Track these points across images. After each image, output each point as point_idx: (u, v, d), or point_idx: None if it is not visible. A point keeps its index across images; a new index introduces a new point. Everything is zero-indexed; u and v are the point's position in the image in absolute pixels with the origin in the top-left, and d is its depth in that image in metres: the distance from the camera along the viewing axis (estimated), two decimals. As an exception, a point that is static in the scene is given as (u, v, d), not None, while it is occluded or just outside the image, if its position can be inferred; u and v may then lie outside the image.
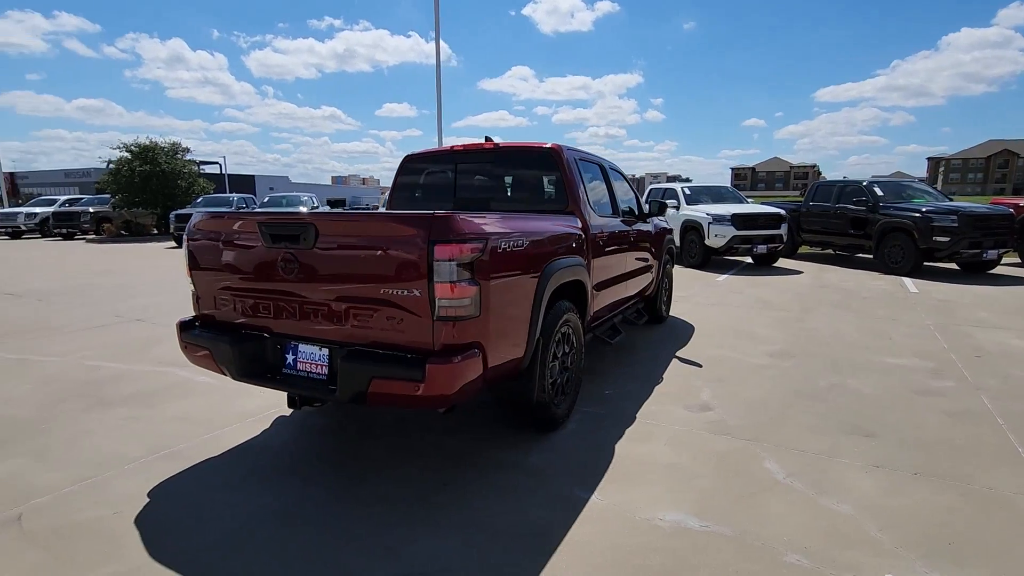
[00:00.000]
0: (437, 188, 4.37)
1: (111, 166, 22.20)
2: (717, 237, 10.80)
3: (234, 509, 2.60)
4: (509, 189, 4.18)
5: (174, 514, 2.56)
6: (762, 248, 10.90)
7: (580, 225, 3.78)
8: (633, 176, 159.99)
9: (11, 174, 56.09)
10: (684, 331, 5.96)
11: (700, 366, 4.73)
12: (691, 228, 11.42)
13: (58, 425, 3.53)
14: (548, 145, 3.96)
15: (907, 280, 9.31)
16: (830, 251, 12.70)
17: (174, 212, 18.14)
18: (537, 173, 4.05)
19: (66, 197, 24.72)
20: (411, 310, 2.42)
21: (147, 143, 22.67)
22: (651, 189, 13.85)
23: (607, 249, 4.25)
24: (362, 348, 2.56)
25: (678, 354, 5.08)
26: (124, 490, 2.76)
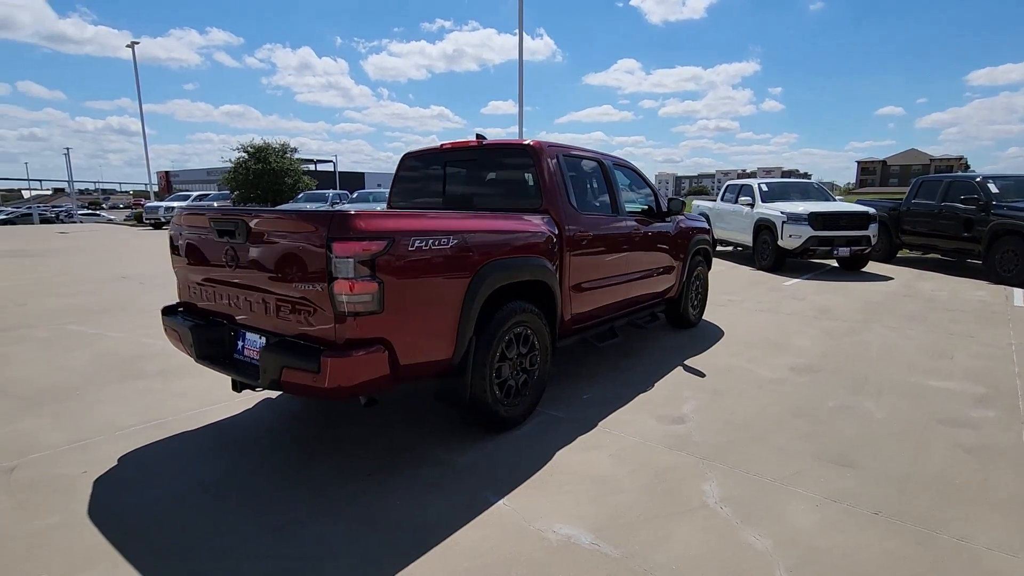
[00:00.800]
0: (430, 186, 4.45)
1: (230, 165, 24.79)
2: (791, 237, 9.89)
3: (181, 477, 2.86)
4: (491, 187, 4.16)
5: (128, 476, 2.87)
6: (844, 251, 9.82)
7: (551, 225, 3.69)
8: (743, 171, 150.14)
9: (167, 172, 65.19)
10: (709, 338, 5.59)
11: (703, 376, 4.43)
12: (764, 228, 10.62)
13: (87, 393, 4.07)
14: (527, 142, 3.90)
15: (1018, 292, 8.02)
16: (936, 255, 11.22)
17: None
18: (516, 171, 4.00)
19: (198, 192, 27.92)
20: (318, 305, 2.52)
21: (261, 144, 25.02)
22: (728, 185, 13.05)
23: (595, 249, 4.11)
24: (285, 339, 2.71)
25: (687, 362, 4.79)
26: (103, 453, 3.13)
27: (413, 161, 4.60)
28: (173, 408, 3.76)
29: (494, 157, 4.15)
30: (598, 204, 4.48)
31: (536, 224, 3.56)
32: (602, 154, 4.65)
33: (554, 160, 3.90)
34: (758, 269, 10.51)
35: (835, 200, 11.70)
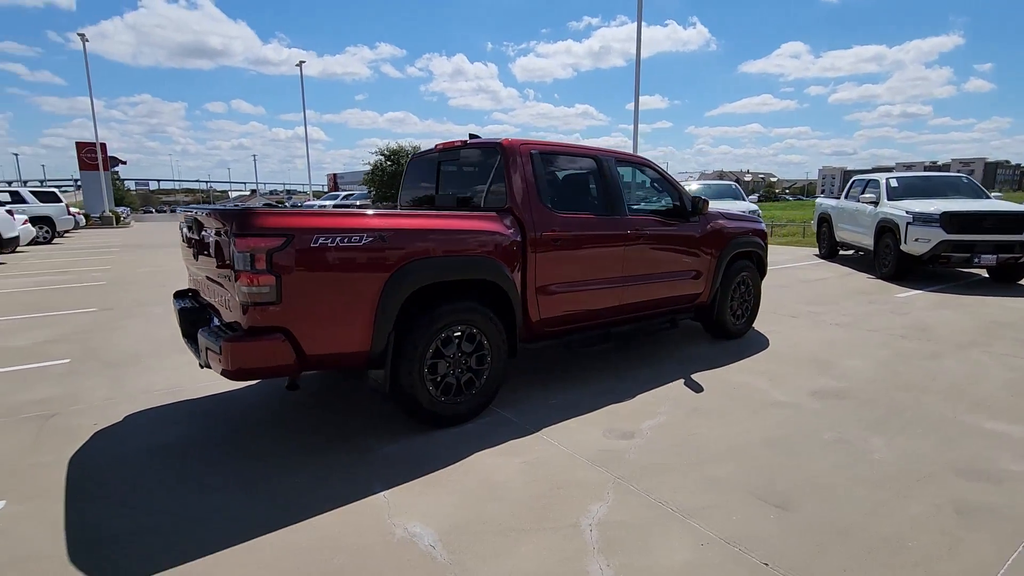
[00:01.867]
0: (427, 186, 4.60)
1: (369, 167, 27.31)
2: (918, 242, 8.32)
3: (162, 435, 3.35)
4: (470, 186, 4.18)
5: (122, 431, 3.42)
6: (989, 258, 8.08)
7: (512, 225, 3.63)
8: (932, 163, 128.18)
9: (335, 175, 74.23)
10: (745, 350, 5.04)
11: (699, 391, 4.04)
12: (886, 229, 9.11)
13: (149, 362, 4.87)
14: (499, 141, 3.86)
15: None
16: None
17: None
18: (486, 170, 3.97)
19: (345, 192, 31.18)
20: (234, 294, 2.80)
21: (395, 147, 27.21)
22: (853, 180, 11.44)
23: (574, 250, 3.96)
24: (222, 324, 3.04)
25: (695, 375, 4.38)
26: (120, 411, 3.76)
27: (416, 162, 4.78)
28: (193, 379, 4.35)
29: (473, 157, 4.18)
30: (588, 203, 4.28)
31: (486, 224, 3.54)
32: (603, 150, 4.43)
33: (525, 159, 3.82)
34: (878, 277, 9.12)
35: (990, 199, 9.65)
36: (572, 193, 4.34)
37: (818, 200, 13.40)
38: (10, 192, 17.92)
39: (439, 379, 3.34)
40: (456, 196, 4.23)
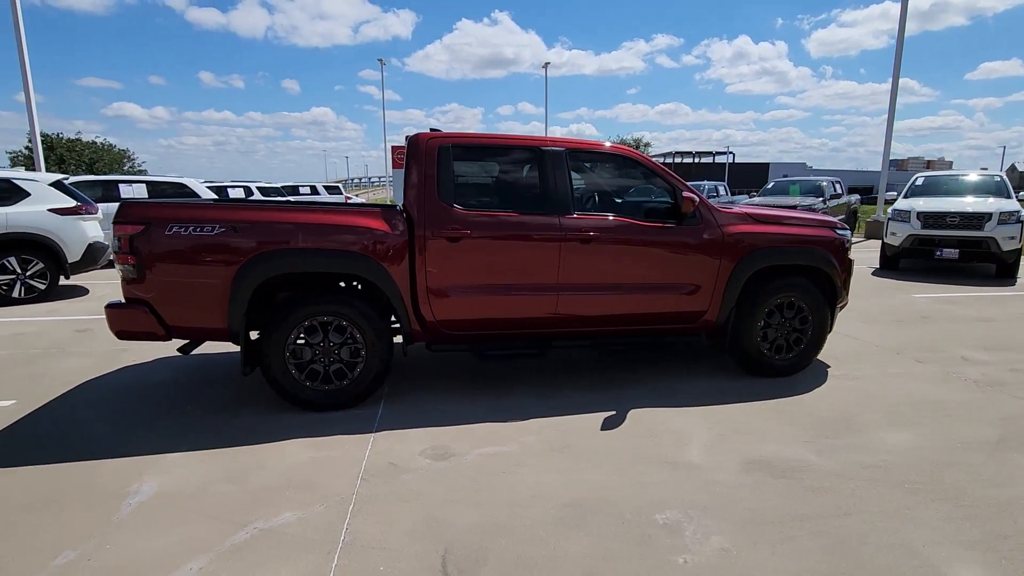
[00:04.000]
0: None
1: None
2: (893, 235, 9.11)
3: (136, 380, 4.29)
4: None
5: (109, 378, 4.42)
6: (951, 252, 8.59)
7: (398, 222, 3.54)
8: None
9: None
10: (751, 391, 3.89)
11: (602, 429, 3.34)
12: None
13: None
14: (413, 135, 3.77)
15: None
16: None
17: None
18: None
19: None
20: (121, 271, 3.44)
21: (625, 140, 26.95)
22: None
23: (476, 252, 3.65)
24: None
25: (629, 411, 3.61)
26: (125, 360, 4.77)
27: (403, 158, 4.91)
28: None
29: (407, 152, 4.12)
30: (513, 201, 3.84)
31: (362, 220, 3.52)
32: (554, 141, 3.89)
33: (430, 155, 3.66)
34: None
35: (1009, 199, 8.92)
36: (493, 190, 3.96)
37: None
38: (309, 187, 23.57)
39: (304, 365, 3.52)
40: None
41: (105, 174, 18.40)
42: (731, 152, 64.34)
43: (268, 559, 2.17)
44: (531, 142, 3.89)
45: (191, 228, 3.29)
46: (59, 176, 7.82)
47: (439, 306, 3.66)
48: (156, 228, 3.28)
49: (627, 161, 4.10)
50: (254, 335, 3.56)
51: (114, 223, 3.30)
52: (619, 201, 4.23)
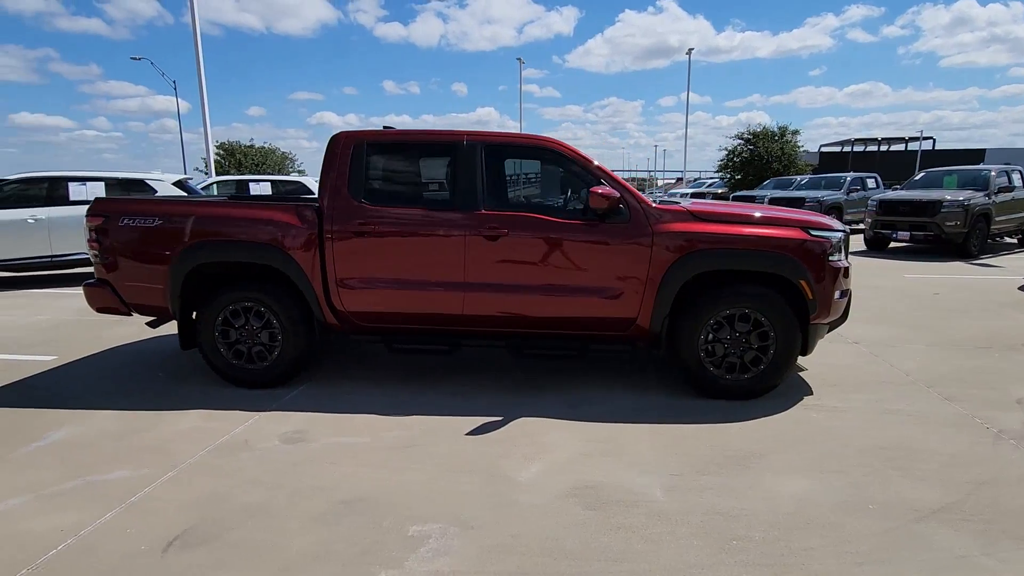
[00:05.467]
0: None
1: (725, 151, 25.55)
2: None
3: (150, 348, 5.09)
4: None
5: (131, 349, 5.29)
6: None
7: (310, 215, 3.74)
8: None
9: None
10: (673, 410, 3.43)
11: (451, 434, 3.21)
12: None
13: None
14: (336, 133, 3.93)
15: None
16: None
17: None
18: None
19: (709, 179, 30.05)
20: (97, 256, 4.11)
21: (758, 131, 24.54)
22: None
23: (379, 246, 3.72)
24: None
25: (485, 417, 3.41)
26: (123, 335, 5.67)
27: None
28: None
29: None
30: (423, 196, 3.81)
31: (275, 214, 3.77)
32: (472, 134, 3.78)
33: (345, 151, 3.79)
34: None
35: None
36: (406, 185, 3.94)
37: None
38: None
39: (231, 345, 3.91)
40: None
41: (269, 174, 21.61)
42: (929, 138, 54.39)
43: (64, 506, 2.51)
44: (446, 136, 3.84)
45: (137, 220, 3.84)
46: (182, 176, 9.41)
47: (348, 298, 3.81)
48: (112, 220, 3.87)
49: (550, 154, 3.84)
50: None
51: (85, 215, 3.97)
52: (540, 197, 3.99)
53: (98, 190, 8.57)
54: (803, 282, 3.52)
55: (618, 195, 3.53)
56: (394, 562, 2.14)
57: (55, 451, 3.06)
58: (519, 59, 36.56)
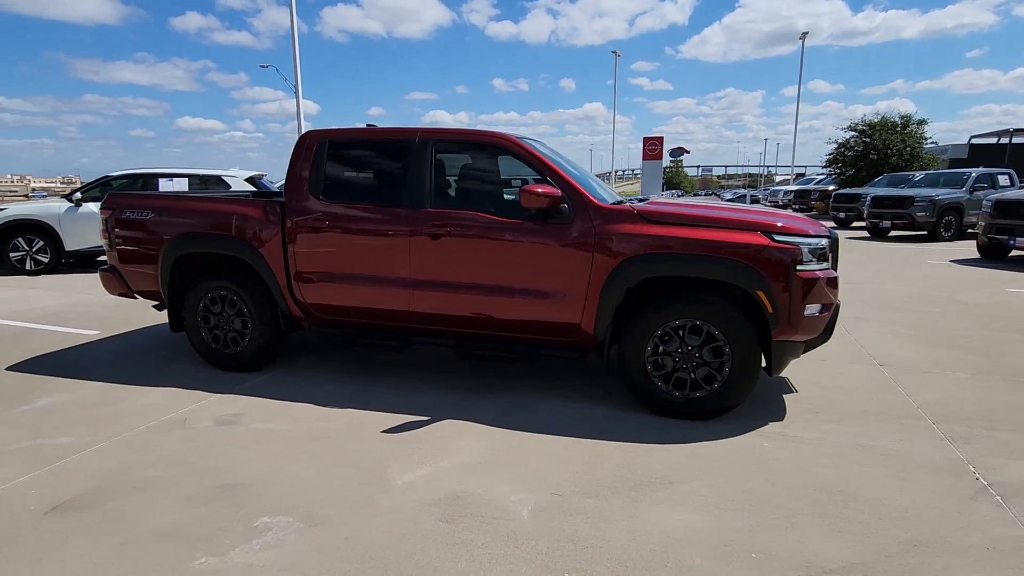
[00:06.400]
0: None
1: (835, 144, 23.10)
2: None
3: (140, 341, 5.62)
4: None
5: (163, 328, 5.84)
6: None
7: (275, 211, 3.93)
8: None
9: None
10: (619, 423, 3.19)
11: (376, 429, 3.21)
12: None
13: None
14: (304, 132, 4.07)
15: None
16: None
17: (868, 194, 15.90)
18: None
19: (808, 176, 27.43)
20: (111, 245, 4.60)
21: (875, 121, 21.94)
22: None
23: (332, 242, 3.84)
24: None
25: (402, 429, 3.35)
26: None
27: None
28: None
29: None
30: (375, 193, 3.83)
31: (243, 209, 4.00)
32: (425, 131, 3.75)
33: (309, 149, 3.93)
34: None
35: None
36: (362, 183, 3.97)
37: None
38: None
39: (211, 330, 4.23)
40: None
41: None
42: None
43: (3, 463, 2.85)
44: (400, 134, 3.85)
45: (135, 213, 4.26)
46: (254, 173, 10.26)
47: (308, 291, 3.96)
48: (117, 212, 4.32)
49: (500, 151, 3.71)
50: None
51: (100, 208, 4.47)
52: (489, 195, 3.86)
53: (183, 184, 9.64)
54: (760, 293, 3.12)
55: (558, 194, 3.34)
56: (222, 549, 2.20)
57: (33, 415, 3.48)
58: (615, 52, 35.59)
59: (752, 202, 28.81)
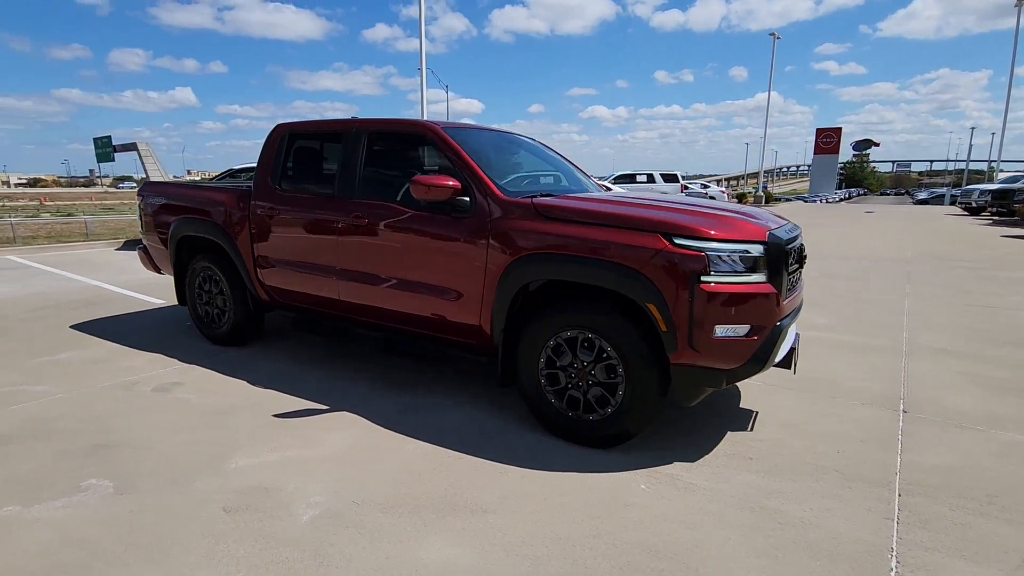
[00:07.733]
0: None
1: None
2: None
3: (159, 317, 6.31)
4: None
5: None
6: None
7: (244, 198, 4.22)
8: None
9: None
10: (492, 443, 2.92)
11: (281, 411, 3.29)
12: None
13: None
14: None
15: None
16: None
17: None
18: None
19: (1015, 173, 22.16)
20: (151, 227, 5.29)
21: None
22: None
23: (279, 229, 4.03)
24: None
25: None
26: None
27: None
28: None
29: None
30: (318, 183, 3.91)
31: (217, 196, 4.36)
32: (362, 122, 3.72)
33: (275, 140, 4.14)
34: None
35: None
36: (311, 172, 4.03)
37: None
38: (646, 175, 23.92)
39: (203, 306, 4.68)
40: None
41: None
42: None
43: (-21, 402, 3.46)
44: (342, 125, 3.87)
45: (155, 199, 4.86)
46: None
47: (265, 275, 4.20)
48: (145, 198, 4.97)
49: (421, 140, 3.56)
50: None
51: (137, 195, 5.17)
52: (405, 185, 3.69)
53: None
54: (651, 306, 2.60)
55: (453, 185, 3.11)
56: (32, 501, 2.42)
57: (44, 366, 4.15)
58: (773, 34, 32.16)
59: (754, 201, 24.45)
